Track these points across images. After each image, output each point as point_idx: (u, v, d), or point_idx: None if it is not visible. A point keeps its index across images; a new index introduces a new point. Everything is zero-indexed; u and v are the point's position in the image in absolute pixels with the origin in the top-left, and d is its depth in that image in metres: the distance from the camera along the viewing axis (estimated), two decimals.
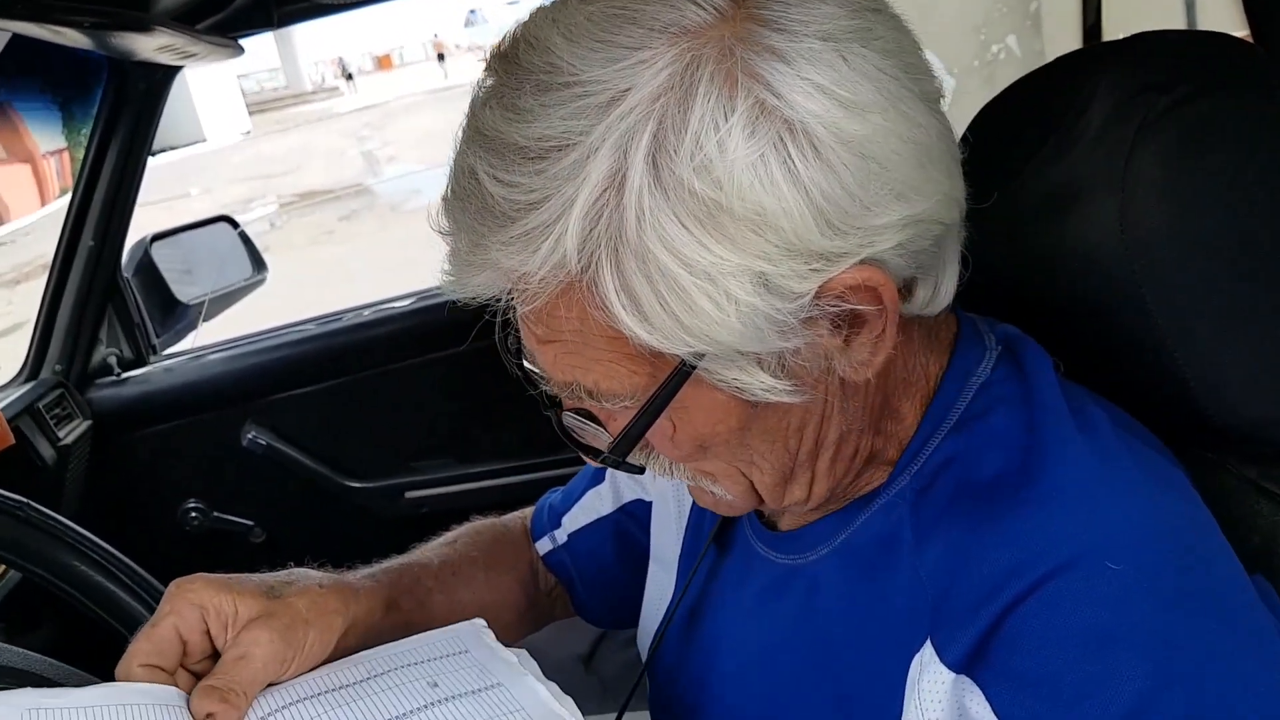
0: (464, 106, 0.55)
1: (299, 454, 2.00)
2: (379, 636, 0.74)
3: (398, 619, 0.78)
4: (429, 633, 0.74)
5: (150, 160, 1.92)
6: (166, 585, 0.69)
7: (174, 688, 0.64)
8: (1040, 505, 0.55)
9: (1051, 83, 0.74)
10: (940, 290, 0.59)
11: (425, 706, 0.64)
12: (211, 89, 24.59)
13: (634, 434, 0.56)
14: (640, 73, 0.49)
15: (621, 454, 0.58)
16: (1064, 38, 3.67)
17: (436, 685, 0.66)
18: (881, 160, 0.50)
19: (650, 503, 0.87)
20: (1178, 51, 0.68)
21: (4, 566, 1.42)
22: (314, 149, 19.89)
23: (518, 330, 0.59)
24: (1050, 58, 0.76)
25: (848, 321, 0.53)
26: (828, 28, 0.49)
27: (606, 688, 1.25)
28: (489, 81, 0.54)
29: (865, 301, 0.52)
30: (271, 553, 1.86)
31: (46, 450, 1.74)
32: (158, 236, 2.04)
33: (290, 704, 0.65)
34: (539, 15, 0.54)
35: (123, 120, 1.80)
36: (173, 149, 21.97)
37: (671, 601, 0.80)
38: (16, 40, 1.27)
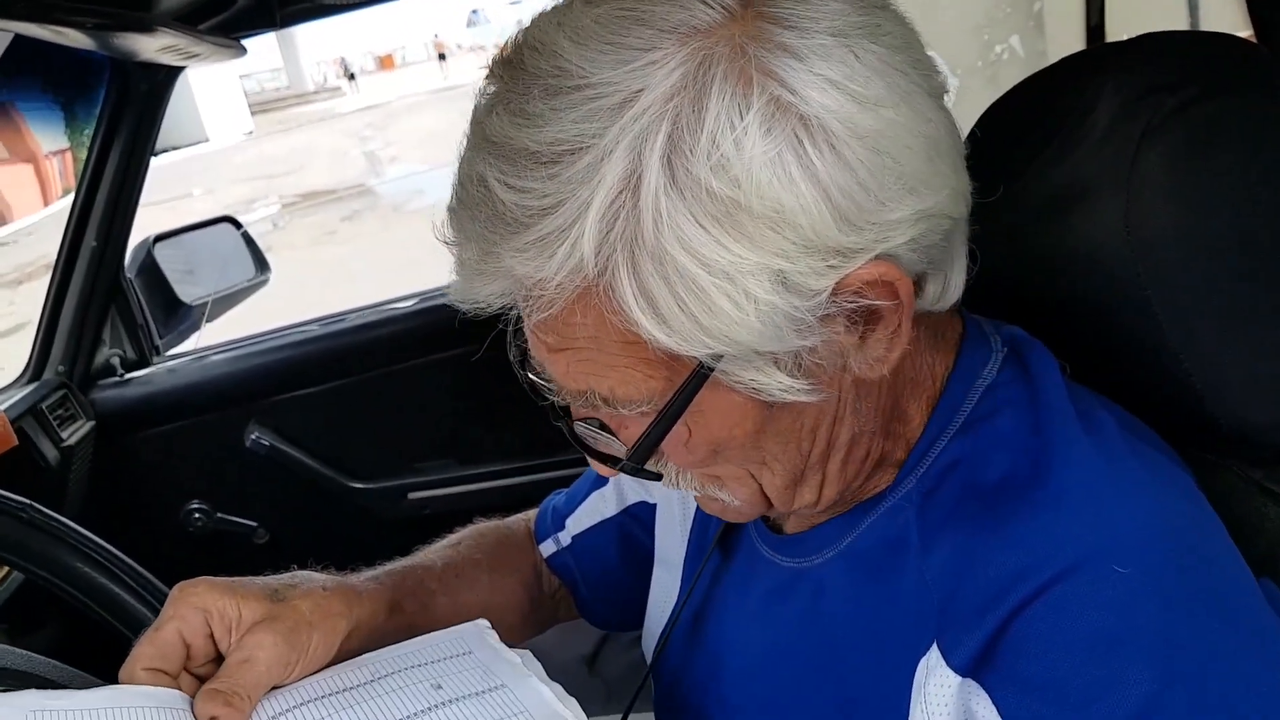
0: (466, 107, 0.55)
1: (302, 455, 2.00)
2: (382, 639, 0.74)
3: (401, 621, 0.78)
4: (432, 634, 0.74)
5: (153, 160, 1.92)
6: (170, 586, 0.69)
7: (178, 691, 0.64)
8: (1046, 508, 0.55)
9: (1056, 83, 0.74)
10: (950, 285, 0.59)
11: (430, 709, 0.64)
12: (214, 89, 24.60)
13: (652, 440, 0.56)
14: (652, 73, 0.48)
15: (639, 461, 0.58)
16: (1067, 38, 3.67)
17: (440, 687, 0.66)
18: (895, 155, 0.50)
19: (654, 505, 0.87)
20: (1183, 53, 0.68)
21: (7, 568, 1.42)
22: (316, 149, 19.91)
23: (525, 341, 0.59)
24: (1053, 58, 0.76)
25: (863, 318, 0.53)
26: (838, 24, 0.49)
27: (610, 689, 1.25)
28: (492, 89, 0.53)
29: (881, 297, 0.52)
30: (275, 554, 1.86)
31: (50, 451, 1.75)
32: (161, 237, 2.04)
33: (294, 707, 0.64)
34: (543, 20, 0.53)
35: (125, 121, 1.80)
36: (175, 149, 22.00)
37: (676, 604, 0.80)
38: (19, 41, 1.27)
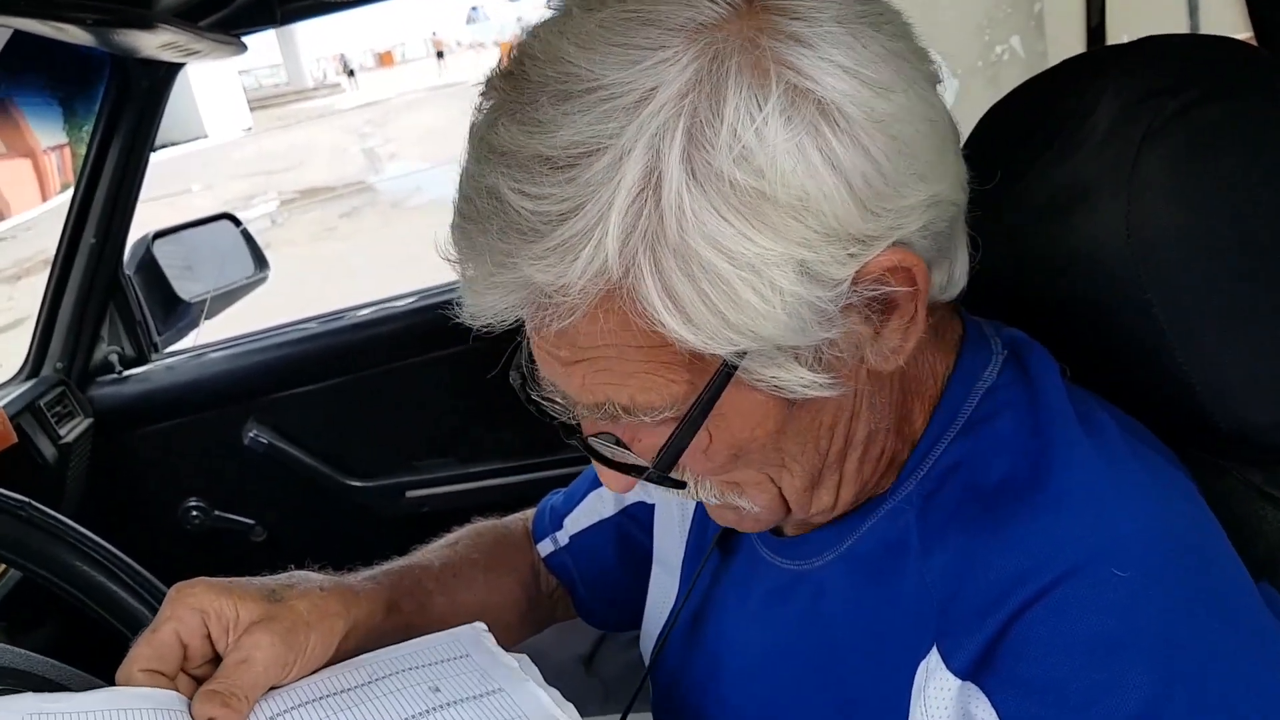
0: (464, 104, 0.55)
1: (300, 453, 2.00)
2: (380, 639, 0.74)
3: (399, 621, 0.78)
4: (429, 636, 0.74)
5: (151, 156, 1.92)
6: (167, 584, 0.69)
7: (175, 692, 0.64)
8: (1047, 511, 0.55)
9: (1057, 86, 0.74)
10: (954, 274, 0.59)
11: (427, 711, 0.64)
12: (213, 85, 24.55)
13: (678, 445, 0.55)
14: (664, 70, 0.48)
15: (665, 468, 0.57)
16: (1067, 38, 3.67)
17: (438, 690, 0.66)
18: (907, 140, 0.50)
19: (653, 505, 0.87)
20: (1183, 56, 0.68)
21: (5, 566, 1.42)
22: (315, 146, 19.88)
23: (525, 363, 0.58)
24: (1054, 59, 0.76)
25: (880, 308, 0.53)
26: (842, 12, 0.50)
27: (608, 689, 1.25)
28: (490, 103, 0.53)
29: (900, 283, 0.52)
30: (272, 552, 1.86)
31: (48, 448, 1.74)
32: (160, 234, 2.04)
33: (292, 708, 0.64)
34: (543, 30, 0.53)
35: (125, 118, 1.80)
36: (174, 145, 21.97)
37: (675, 604, 0.80)
38: (19, 36, 1.27)
